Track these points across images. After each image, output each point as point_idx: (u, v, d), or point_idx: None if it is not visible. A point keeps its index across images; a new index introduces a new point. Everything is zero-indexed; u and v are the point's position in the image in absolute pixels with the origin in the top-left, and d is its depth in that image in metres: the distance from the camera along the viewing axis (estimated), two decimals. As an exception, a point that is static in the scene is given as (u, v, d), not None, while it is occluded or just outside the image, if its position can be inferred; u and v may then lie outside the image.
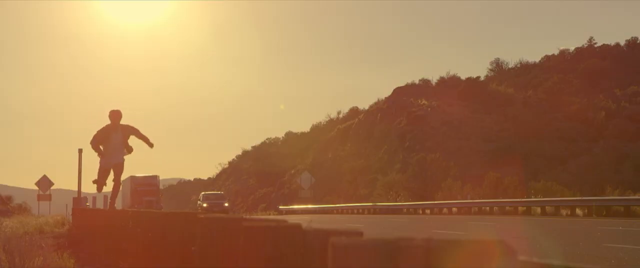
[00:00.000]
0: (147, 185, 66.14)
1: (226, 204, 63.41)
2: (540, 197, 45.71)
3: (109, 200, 19.27)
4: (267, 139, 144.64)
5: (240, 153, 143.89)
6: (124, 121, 19.02)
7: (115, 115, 19.00)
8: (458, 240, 1.52)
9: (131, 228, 9.66)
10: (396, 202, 63.19)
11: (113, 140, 18.75)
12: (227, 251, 4.09)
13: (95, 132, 18.93)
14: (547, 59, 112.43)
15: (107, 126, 18.88)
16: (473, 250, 1.52)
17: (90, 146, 18.94)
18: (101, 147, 19.00)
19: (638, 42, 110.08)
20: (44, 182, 50.42)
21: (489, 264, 1.52)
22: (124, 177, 20.41)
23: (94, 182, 18.98)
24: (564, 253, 13.32)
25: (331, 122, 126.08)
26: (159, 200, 65.69)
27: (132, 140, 19.04)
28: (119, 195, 20.78)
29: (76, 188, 36.74)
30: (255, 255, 3.18)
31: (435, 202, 54.22)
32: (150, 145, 18.71)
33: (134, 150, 19.32)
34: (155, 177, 68.58)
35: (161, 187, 72.26)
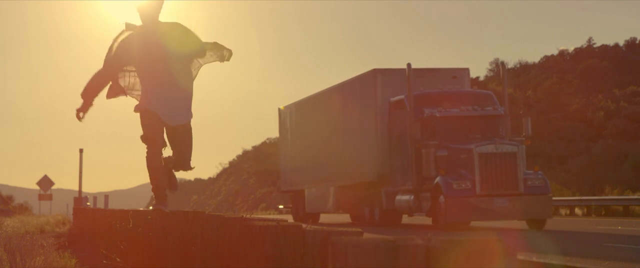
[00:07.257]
0: None
1: None
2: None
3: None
4: (267, 139, 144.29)
5: (240, 153, 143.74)
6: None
7: (149, 7, 8.29)
8: (458, 240, 1.53)
9: (132, 228, 9.67)
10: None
11: (155, 61, 8.37)
12: (227, 251, 4.09)
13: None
14: (547, 59, 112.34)
15: (131, 35, 8.45)
16: (473, 249, 1.53)
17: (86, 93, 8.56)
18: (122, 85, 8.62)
19: (637, 42, 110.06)
20: (45, 182, 50.37)
21: (489, 264, 1.53)
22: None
23: (142, 137, 8.45)
24: (563, 253, 13.32)
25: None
26: None
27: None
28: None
29: (77, 188, 36.75)
30: (255, 255, 3.19)
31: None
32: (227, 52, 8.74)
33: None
34: None
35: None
